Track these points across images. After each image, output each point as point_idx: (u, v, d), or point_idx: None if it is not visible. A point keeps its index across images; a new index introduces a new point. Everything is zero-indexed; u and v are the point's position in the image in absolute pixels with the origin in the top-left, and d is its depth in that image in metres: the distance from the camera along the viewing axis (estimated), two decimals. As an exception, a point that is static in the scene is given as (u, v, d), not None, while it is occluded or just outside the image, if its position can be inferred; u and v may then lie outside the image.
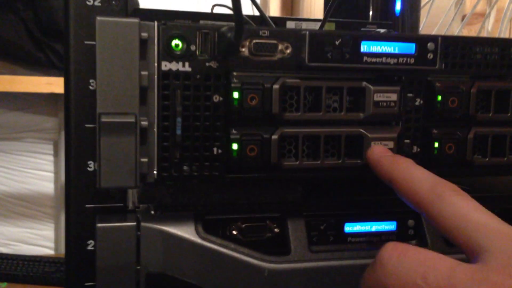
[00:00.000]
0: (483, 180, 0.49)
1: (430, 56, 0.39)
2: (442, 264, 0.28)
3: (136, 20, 0.33)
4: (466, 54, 0.40)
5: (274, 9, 2.15)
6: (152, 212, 0.37)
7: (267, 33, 0.36)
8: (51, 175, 1.27)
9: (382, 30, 0.70)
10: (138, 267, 0.35)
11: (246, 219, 0.39)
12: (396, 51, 0.38)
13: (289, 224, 0.38)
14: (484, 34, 1.17)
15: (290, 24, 0.75)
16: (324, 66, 0.37)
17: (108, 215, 0.36)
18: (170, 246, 0.35)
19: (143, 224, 0.35)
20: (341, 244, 0.39)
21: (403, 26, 1.08)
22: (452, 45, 0.40)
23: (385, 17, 1.04)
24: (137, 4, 1.00)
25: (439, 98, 0.39)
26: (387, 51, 0.38)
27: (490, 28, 1.19)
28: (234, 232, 0.38)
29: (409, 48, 0.38)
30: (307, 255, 0.37)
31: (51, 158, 1.27)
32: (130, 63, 0.33)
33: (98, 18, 0.32)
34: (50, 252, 1.29)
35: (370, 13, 1.04)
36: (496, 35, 1.13)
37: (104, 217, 0.35)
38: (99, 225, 0.34)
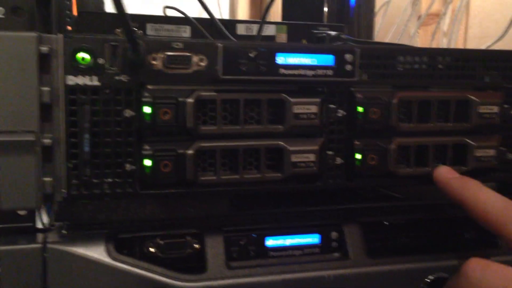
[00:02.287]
0: (417, 188, 0.49)
1: (349, 67, 0.38)
2: None
3: (33, 34, 0.31)
4: (388, 65, 0.40)
5: (243, 8, 2.13)
6: (64, 231, 0.36)
7: (180, 45, 0.35)
8: None
9: (333, 33, 0.70)
10: (46, 290, 0.34)
11: (165, 236, 0.38)
12: (314, 63, 0.37)
13: (207, 240, 0.37)
14: (439, 34, 1.18)
15: (241, 27, 0.74)
16: (238, 79, 0.36)
17: (14, 236, 0.34)
18: (79, 268, 0.34)
19: (49, 246, 0.34)
20: (262, 259, 0.39)
21: (359, 28, 1.08)
22: (373, 56, 0.39)
23: (340, 18, 1.05)
24: (102, 4, 0.96)
25: (361, 109, 0.39)
26: (304, 63, 0.37)
27: (445, 28, 1.20)
28: (152, 250, 0.37)
29: (328, 60, 0.38)
30: (225, 272, 0.36)
31: None
32: (27, 79, 0.31)
33: (-7, 32, 0.31)
34: None
35: (325, 12, 1.04)
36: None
37: (9, 239, 0.34)
38: (1, 248, 0.33)
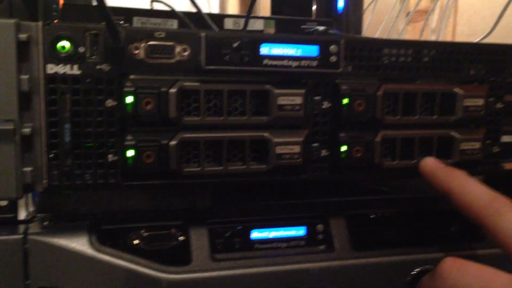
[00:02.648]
0: (403, 181, 0.49)
1: (333, 59, 0.38)
2: (499, 279, 0.30)
3: (11, 21, 0.31)
4: (373, 57, 0.40)
5: (233, 3, 2.13)
6: (46, 222, 0.35)
7: (163, 34, 0.35)
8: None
9: (321, 28, 0.69)
10: (27, 282, 0.33)
11: (149, 228, 0.37)
12: (298, 54, 0.37)
13: (192, 232, 0.37)
14: (427, 31, 1.19)
15: (228, 22, 0.73)
16: (221, 69, 0.36)
17: (-5, 227, 0.34)
18: (61, 259, 0.33)
19: (30, 237, 0.33)
20: (247, 251, 0.38)
21: (347, 24, 1.08)
22: (358, 47, 0.39)
23: (329, 14, 1.04)
24: None
25: (346, 101, 0.39)
26: (288, 54, 0.37)
27: (434, 25, 1.21)
28: (136, 242, 0.37)
29: (312, 50, 0.37)
30: (209, 264, 0.36)
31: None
32: (6, 67, 0.31)
33: (-30, 19, 0.30)
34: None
35: (314, 9, 1.04)
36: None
37: (-11, 230, 0.33)
38: (-20, 239, 0.32)
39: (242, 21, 0.73)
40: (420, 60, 0.41)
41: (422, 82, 0.41)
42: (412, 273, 0.40)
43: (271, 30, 0.74)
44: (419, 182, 0.45)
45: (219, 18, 0.72)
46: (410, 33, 1.22)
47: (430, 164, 0.40)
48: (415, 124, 0.41)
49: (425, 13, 1.19)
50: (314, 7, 1.00)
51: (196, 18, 0.67)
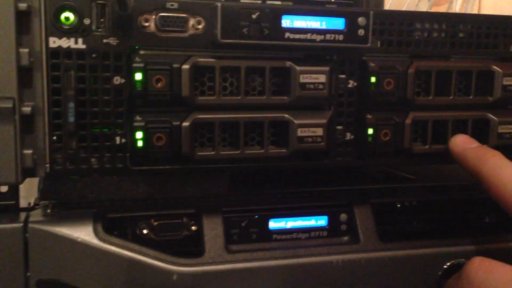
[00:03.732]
0: (430, 168, 0.46)
1: (361, 32, 0.34)
2: None
3: (9, -12, 0.28)
4: (404, 31, 0.36)
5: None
6: (49, 210, 0.33)
7: (175, 5, 0.32)
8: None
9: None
10: (28, 274, 0.31)
11: (159, 216, 0.34)
12: (323, 27, 0.34)
13: (205, 221, 0.34)
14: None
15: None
16: (239, 43, 0.32)
17: (-5, 214, 0.31)
18: (64, 249, 0.31)
19: (31, 225, 0.31)
20: (265, 242, 0.36)
21: (368, 6, 1.04)
22: (388, 21, 0.36)
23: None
24: None
25: (373, 79, 0.35)
26: (312, 27, 0.33)
27: (458, 9, 1.16)
28: (145, 231, 0.34)
29: (338, 23, 0.34)
30: (224, 255, 0.33)
31: None
32: (3, 39, 0.28)
33: (-36, -15, 0.28)
34: None
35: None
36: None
37: (-12, 218, 0.31)
38: (-21, 227, 0.30)
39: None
40: (455, 36, 0.38)
41: (457, 59, 0.38)
42: (444, 267, 0.37)
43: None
44: (451, 169, 0.41)
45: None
46: (433, 17, 1.17)
47: (460, 143, 0.36)
48: (448, 105, 0.38)
49: (449, -4, 1.14)
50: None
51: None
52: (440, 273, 0.37)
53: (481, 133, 0.38)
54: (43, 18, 0.30)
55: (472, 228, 0.41)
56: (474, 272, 0.32)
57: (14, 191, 0.32)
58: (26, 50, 0.29)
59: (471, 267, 0.32)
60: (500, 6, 1.14)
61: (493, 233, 0.41)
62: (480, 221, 0.42)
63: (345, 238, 0.37)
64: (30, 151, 0.30)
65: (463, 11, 1.11)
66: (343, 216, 0.37)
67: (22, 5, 0.29)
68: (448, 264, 0.37)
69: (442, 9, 1.16)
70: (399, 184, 0.42)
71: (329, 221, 0.37)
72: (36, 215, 0.32)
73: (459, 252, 0.38)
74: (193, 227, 0.35)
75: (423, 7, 1.13)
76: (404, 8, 1.12)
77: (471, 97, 0.38)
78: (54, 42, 0.30)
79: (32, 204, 0.35)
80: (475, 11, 1.14)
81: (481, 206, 0.42)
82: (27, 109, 0.29)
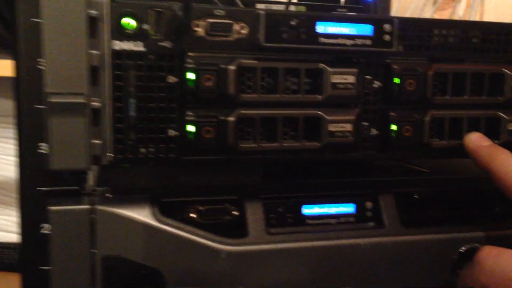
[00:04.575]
0: (442, 162, 0.50)
1: (387, 38, 0.38)
2: None
3: (83, -3, 0.32)
4: (424, 36, 0.40)
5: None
6: (109, 195, 0.37)
7: (222, 12, 0.36)
8: (14, 159, 1.24)
9: (352, 14, 0.70)
10: (94, 251, 0.35)
11: (205, 202, 0.38)
12: (353, 33, 0.38)
13: (247, 206, 0.38)
14: (455, 18, 1.18)
15: (260, 7, 0.74)
16: (280, 47, 0.36)
17: (62, 198, 0.35)
18: (126, 229, 0.35)
19: (98, 207, 0.34)
20: (299, 226, 0.39)
21: (375, 10, 1.08)
22: (410, 27, 0.40)
23: (356, 1, 1.04)
24: None
25: (397, 80, 0.39)
26: (344, 33, 0.37)
27: (461, 13, 1.20)
28: (193, 215, 0.38)
29: (366, 29, 0.38)
30: (265, 237, 0.37)
31: (13, 142, 1.24)
32: (78, 42, 0.32)
33: (44, -6, 0.31)
34: (14, 237, 1.26)
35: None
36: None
37: (58, 201, 0.34)
38: (52, 208, 0.34)
39: (273, 7, 0.74)
40: (469, 41, 0.42)
41: (471, 62, 0.42)
42: (459, 250, 0.41)
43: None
44: (463, 163, 0.45)
45: (251, 3, 0.73)
46: (437, 21, 1.21)
47: (474, 140, 0.40)
48: (463, 104, 0.41)
49: (453, 1, 1.18)
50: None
51: (228, 2, 0.68)
52: (455, 256, 0.41)
53: (493, 130, 0.42)
54: (107, 23, 0.34)
55: (483, 217, 0.45)
56: (485, 259, 0.36)
57: (77, 177, 0.36)
58: (96, 52, 0.33)
59: (481, 255, 0.37)
60: (501, 11, 1.18)
61: (502, 222, 0.45)
62: (491, 210, 0.46)
63: (371, 223, 0.41)
64: (99, 141, 0.33)
65: (466, 16, 1.15)
66: (369, 204, 0.41)
67: (93, 12, 0.32)
68: (463, 248, 0.41)
69: (446, 13, 1.20)
70: (416, 176, 0.46)
71: (356, 208, 0.41)
72: (98, 199, 0.36)
73: (472, 238, 0.42)
74: (234, 212, 0.39)
75: (428, 12, 1.17)
76: (408, 12, 1.16)
77: (483, 97, 0.42)
78: (117, 45, 0.34)
79: (88, 190, 0.38)
80: (478, 16, 1.18)
81: (491, 197, 0.46)
82: (95, 104, 0.33)
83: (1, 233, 1.25)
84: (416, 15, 1.14)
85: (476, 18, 1.18)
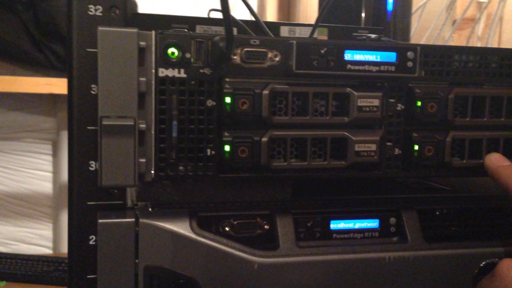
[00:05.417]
0: (463, 181, 0.52)
1: (409, 64, 0.41)
2: None
3: (135, 30, 0.35)
4: (444, 62, 0.43)
5: (271, 12, 2.18)
6: (150, 209, 0.40)
7: (257, 42, 0.39)
8: (50, 175, 1.29)
9: (373, 35, 0.72)
10: (137, 261, 0.37)
11: (238, 216, 0.41)
12: (378, 59, 0.40)
13: (278, 221, 0.41)
14: (474, 38, 1.20)
15: (284, 29, 0.77)
16: (310, 73, 0.39)
17: (109, 211, 0.38)
18: (167, 241, 0.38)
19: (141, 220, 0.37)
20: (326, 240, 0.42)
21: (395, 31, 1.11)
22: (431, 54, 0.42)
23: (377, 21, 1.07)
24: (136, 7, 1.03)
25: (419, 103, 0.42)
26: (369, 59, 0.40)
27: (480, 33, 1.22)
28: (227, 229, 0.41)
29: (390, 56, 0.41)
30: (295, 250, 0.40)
31: (50, 158, 1.29)
32: (129, 70, 0.35)
33: (100, 28, 0.35)
34: (48, 251, 1.31)
35: (363, 16, 1.07)
36: (485, 40, 1.16)
37: (105, 214, 0.38)
38: (100, 221, 0.37)
39: (296, 29, 0.77)
40: (488, 66, 0.44)
41: (490, 86, 0.44)
42: (480, 265, 0.43)
43: (324, 37, 0.77)
44: (484, 181, 0.47)
45: (275, 26, 0.76)
46: (456, 41, 1.23)
47: (494, 160, 0.42)
48: (483, 125, 0.44)
49: (472, 21, 1.20)
50: (363, 15, 1.03)
51: (254, 26, 0.72)
52: (476, 271, 0.43)
53: (511, 149, 0.44)
54: (154, 53, 0.37)
55: (502, 233, 0.47)
56: (505, 271, 0.38)
57: (122, 193, 0.39)
58: (144, 79, 0.36)
59: (502, 267, 0.38)
60: (521, 31, 1.20)
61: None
62: (509, 227, 0.47)
63: (395, 238, 0.43)
64: (144, 160, 0.37)
65: (485, 35, 1.17)
66: (392, 220, 0.43)
67: (142, 43, 0.36)
68: (484, 263, 0.43)
69: (465, 33, 1.23)
70: (438, 194, 0.48)
71: (380, 223, 0.43)
72: (140, 213, 0.39)
73: (492, 253, 0.44)
74: (266, 226, 0.41)
75: (447, 32, 1.20)
76: (428, 33, 1.18)
77: (502, 119, 0.44)
78: (162, 72, 0.37)
79: (130, 204, 0.41)
80: (496, 35, 1.20)
81: (510, 214, 0.48)
82: (143, 126, 0.36)
83: (34, 246, 1.30)
84: (435, 34, 1.16)
85: (495, 38, 1.19)
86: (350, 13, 1.09)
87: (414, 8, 1.18)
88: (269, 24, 0.74)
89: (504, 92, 0.44)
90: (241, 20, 0.71)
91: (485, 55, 0.44)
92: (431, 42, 1.14)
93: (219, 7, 0.75)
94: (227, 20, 0.33)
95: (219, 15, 0.77)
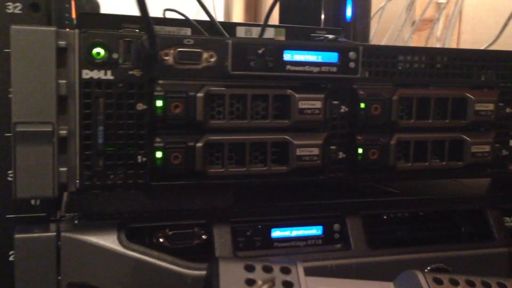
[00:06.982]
0: (412, 183, 0.51)
1: (352, 65, 0.40)
2: None
3: (52, 29, 0.33)
4: (389, 63, 0.42)
5: (237, 13, 2.15)
6: (76, 221, 0.37)
7: (192, 41, 0.37)
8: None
9: (331, 36, 0.71)
10: (59, 277, 0.35)
11: (173, 226, 0.39)
12: (319, 60, 0.39)
13: (215, 230, 0.38)
14: (432, 39, 1.21)
15: (240, 30, 0.75)
16: (247, 75, 0.37)
17: (29, 225, 0.35)
18: (92, 255, 0.35)
19: (63, 234, 0.35)
20: (267, 249, 0.40)
21: (354, 32, 1.10)
22: (375, 54, 0.41)
23: (337, 22, 1.06)
24: (98, 7, 0.98)
25: (363, 105, 0.40)
26: (310, 60, 0.39)
27: (439, 34, 1.23)
28: (161, 240, 0.38)
29: (332, 57, 0.39)
30: (232, 261, 0.38)
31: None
32: (46, 72, 0.32)
33: (13, 26, 0.32)
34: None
35: (322, 18, 1.06)
36: (443, 40, 1.17)
37: (24, 228, 0.35)
38: (17, 235, 0.34)
39: (253, 29, 0.75)
40: (433, 67, 0.43)
41: (435, 87, 0.43)
42: (425, 271, 0.42)
43: (282, 38, 0.75)
44: (430, 184, 0.47)
45: (231, 27, 0.74)
46: (416, 42, 1.24)
47: None
48: (428, 127, 0.43)
49: (431, 22, 1.21)
50: (322, 16, 1.02)
51: (209, 27, 0.69)
52: (422, 276, 0.42)
53: (457, 152, 0.44)
54: (77, 53, 0.34)
55: (450, 237, 0.46)
56: None
57: (45, 204, 0.36)
58: (64, 81, 0.33)
59: None
60: (479, 32, 1.21)
61: (468, 242, 0.46)
62: (457, 231, 0.47)
63: (338, 245, 0.41)
64: (65, 169, 0.34)
65: (443, 36, 1.18)
66: (336, 226, 0.42)
67: (62, 43, 0.33)
68: (429, 268, 0.42)
69: (424, 34, 1.23)
70: (385, 197, 0.46)
71: (324, 230, 0.42)
72: (65, 225, 0.36)
73: (439, 258, 0.43)
74: (203, 236, 0.39)
75: (406, 33, 1.20)
76: (388, 34, 1.19)
77: (447, 120, 0.43)
78: (87, 74, 0.35)
79: (58, 216, 0.39)
80: (455, 36, 1.21)
81: (458, 217, 0.47)
82: (63, 132, 0.34)
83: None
84: (395, 36, 1.16)
85: (453, 38, 1.20)
86: (310, 14, 1.08)
87: (374, 9, 1.18)
88: (225, 25, 0.72)
89: (450, 93, 0.43)
90: (196, 20, 0.69)
91: (431, 56, 0.43)
92: (391, 43, 1.14)
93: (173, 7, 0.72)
94: (146, 17, 0.31)
95: (175, 15, 0.75)
